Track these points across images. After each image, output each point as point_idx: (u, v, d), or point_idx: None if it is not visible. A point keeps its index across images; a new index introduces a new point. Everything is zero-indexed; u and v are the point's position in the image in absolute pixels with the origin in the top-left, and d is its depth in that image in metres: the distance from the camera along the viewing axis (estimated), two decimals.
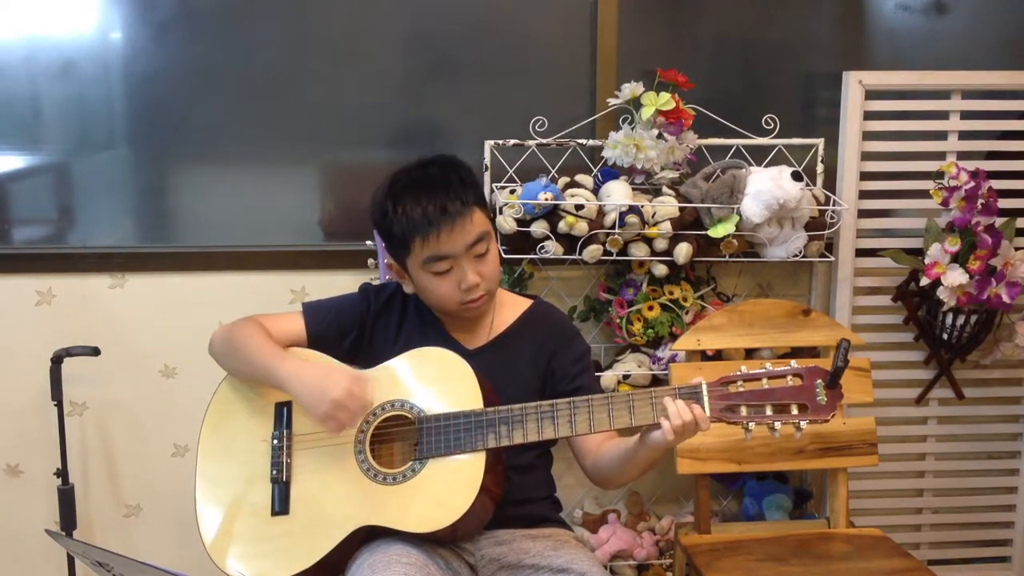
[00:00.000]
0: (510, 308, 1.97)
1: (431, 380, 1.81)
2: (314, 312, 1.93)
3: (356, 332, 1.93)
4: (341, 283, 2.40)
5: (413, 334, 1.91)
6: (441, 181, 1.80)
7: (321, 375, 1.77)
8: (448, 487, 1.74)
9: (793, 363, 1.71)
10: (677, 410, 1.67)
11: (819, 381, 1.69)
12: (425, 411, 1.79)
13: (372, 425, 1.81)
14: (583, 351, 1.97)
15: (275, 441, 1.84)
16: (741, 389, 1.69)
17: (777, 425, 1.67)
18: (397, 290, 1.96)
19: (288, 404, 1.86)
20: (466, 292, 1.82)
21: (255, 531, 1.80)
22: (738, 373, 1.70)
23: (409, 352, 1.85)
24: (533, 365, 1.92)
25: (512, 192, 2.47)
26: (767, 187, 2.42)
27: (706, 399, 1.69)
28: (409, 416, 1.80)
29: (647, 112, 2.41)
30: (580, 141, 2.55)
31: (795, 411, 1.68)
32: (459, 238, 1.78)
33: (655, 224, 2.44)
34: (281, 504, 1.80)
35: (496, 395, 1.81)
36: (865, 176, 2.67)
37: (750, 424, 1.68)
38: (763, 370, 1.70)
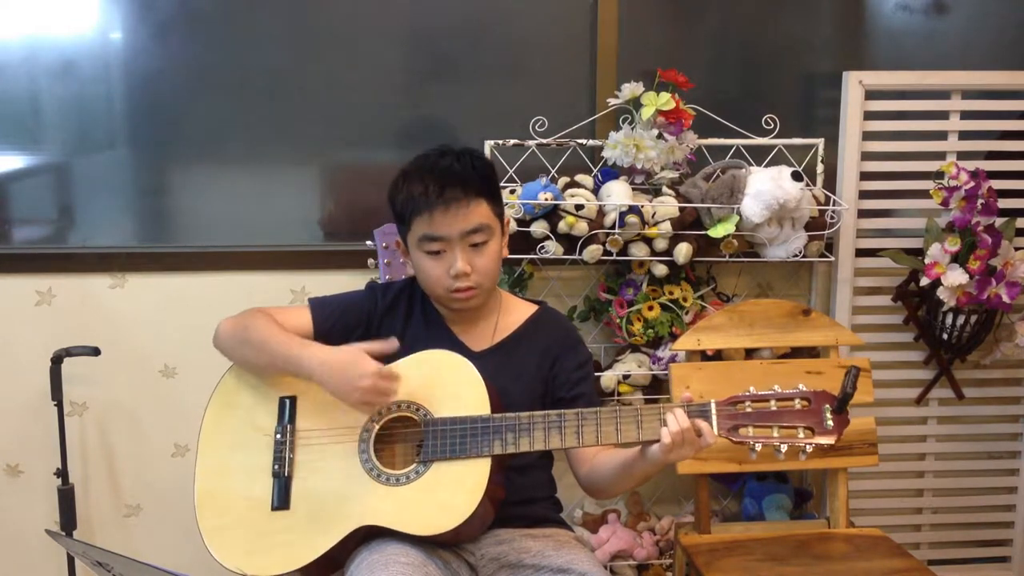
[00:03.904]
0: (516, 312, 1.97)
1: (438, 383, 1.81)
2: (321, 307, 1.93)
3: (362, 329, 1.92)
4: (341, 283, 2.40)
5: (419, 334, 1.91)
6: (453, 167, 1.82)
7: (348, 362, 1.76)
8: (452, 491, 1.73)
9: (801, 386, 1.71)
10: (675, 418, 1.67)
11: (827, 406, 1.69)
12: (431, 414, 1.79)
13: (377, 425, 1.81)
14: (585, 359, 1.97)
15: (278, 436, 1.83)
16: (749, 410, 1.70)
17: (783, 448, 1.68)
18: (403, 289, 1.96)
19: (292, 399, 1.85)
20: (454, 279, 1.82)
21: (254, 525, 1.79)
22: (747, 394, 1.71)
23: (417, 354, 1.84)
24: (537, 369, 1.91)
25: (512, 192, 2.47)
26: (767, 187, 2.42)
27: (714, 417, 1.69)
28: (415, 418, 1.79)
29: (647, 112, 2.41)
30: (580, 141, 2.54)
31: (801, 434, 1.69)
32: (454, 222, 1.79)
33: (655, 224, 2.44)
34: (281, 499, 1.79)
35: (503, 400, 1.80)
36: (865, 176, 2.67)
37: (756, 445, 1.68)
38: (771, 392, 1.71)
